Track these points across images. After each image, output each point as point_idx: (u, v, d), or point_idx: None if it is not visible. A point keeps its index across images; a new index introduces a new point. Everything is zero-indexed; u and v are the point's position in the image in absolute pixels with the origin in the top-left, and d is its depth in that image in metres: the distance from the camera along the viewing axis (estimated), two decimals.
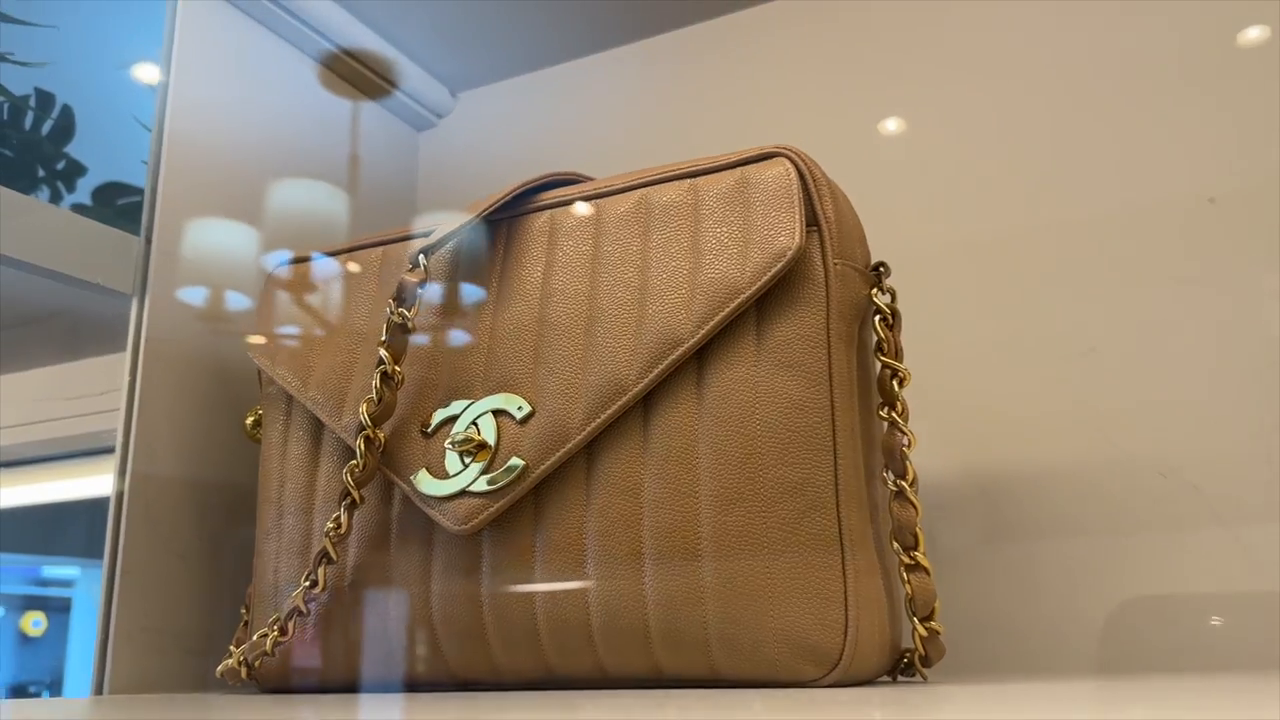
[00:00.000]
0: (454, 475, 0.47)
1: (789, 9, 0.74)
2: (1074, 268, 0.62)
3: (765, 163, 0.46)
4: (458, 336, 0.51)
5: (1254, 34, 0.60)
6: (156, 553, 0.58)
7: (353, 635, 0.50)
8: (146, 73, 0.65)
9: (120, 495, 0.57)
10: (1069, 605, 0.58)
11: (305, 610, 0.49)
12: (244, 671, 0.51)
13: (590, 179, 0.53)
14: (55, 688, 1.32)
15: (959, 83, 0.67)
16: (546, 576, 0.46)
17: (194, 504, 0.61)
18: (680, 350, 0.44)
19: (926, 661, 0.46)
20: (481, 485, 0.47)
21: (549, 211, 0.52)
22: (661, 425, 0.45)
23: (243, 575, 0.59)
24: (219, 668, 0.51)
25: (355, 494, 0.48)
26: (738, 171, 0.47)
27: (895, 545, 0.46)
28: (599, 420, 0.45)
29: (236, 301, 0.65)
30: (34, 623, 1.36)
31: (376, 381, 0.49)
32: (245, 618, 0.56)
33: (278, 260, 0.59)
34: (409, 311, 0.50)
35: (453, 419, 0.49)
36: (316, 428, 0.54)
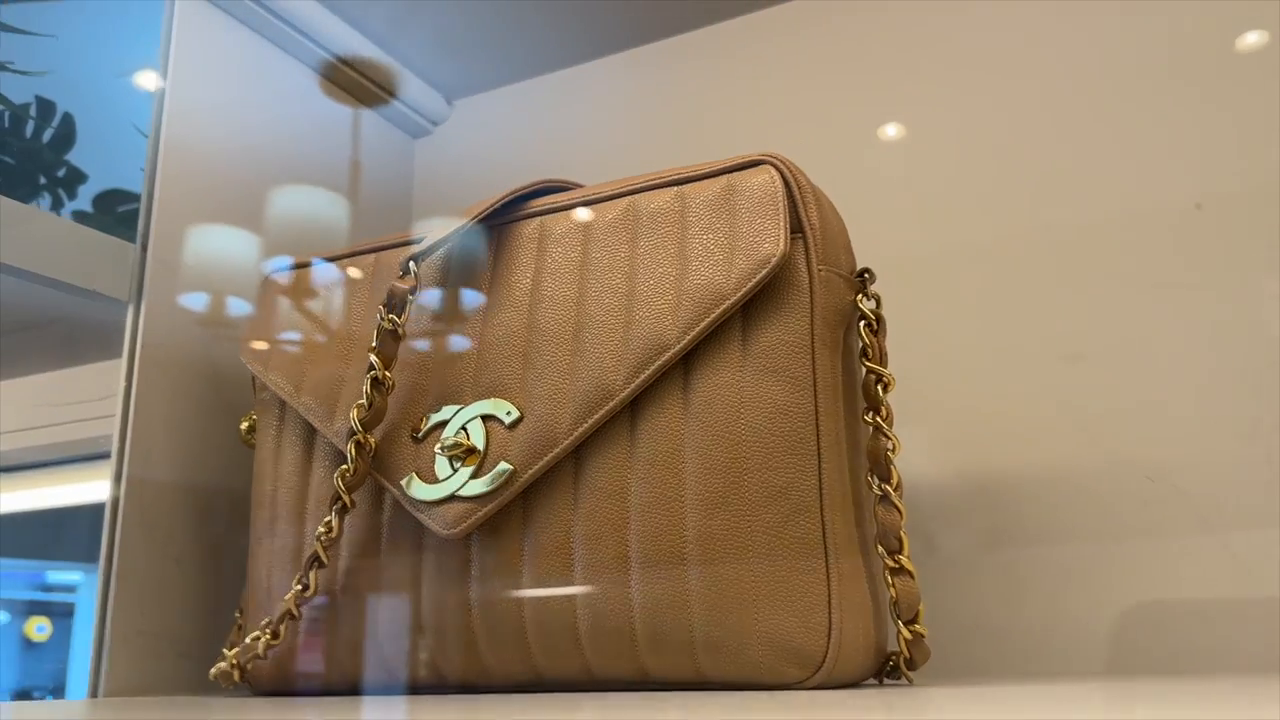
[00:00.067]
0: (443, 480, 0.48)
1: (783, 16, 0.75)
2: (1067, 273, 0.62)
3: (751, 170, 0.47)
4: (448, 342, 0.52)
5: (1252, 39, 0.60)
6: (152, 557, 0.59)
7: (344, 638, 0.51)
8: (146, 80, 0.66)
9: (116, 500, 0.58)
10: (1058, 609, 0.58)
11: (297, 614, 0.50)
12: (237, 674, 0.51)
13: (581, 186, 0.54)
14: (59, 693, 1.32)
15: (950, 89, 0.68)
16: (534, 580, 0.46)
17: (190, 509, 0.61)
18: (666, 356, 0.45)
19: (911, 664, 0.46)
20: (470, 490, 0.47)
21: (539, 218, 0.52)
22: (648, 430, 0.45)
23: (238, 579, 0.60)
24: (212, 670, 0.52)
25: (346, 498, 0.49)
26: (724, 179, 0.47)
27: (880, 549, 0.46)
28: (586, 425, 0.46)
29: (232, 307, 0.65)
30: (38, 628, 1.36)
31: (367, 387, 0.49)
32: (239, 621, 0.56)
33: (272, 266, 0.60)
34: (399, 317, 0.50)
35: (443, 424, 0.49)
36: (309, 433, 0.54)
